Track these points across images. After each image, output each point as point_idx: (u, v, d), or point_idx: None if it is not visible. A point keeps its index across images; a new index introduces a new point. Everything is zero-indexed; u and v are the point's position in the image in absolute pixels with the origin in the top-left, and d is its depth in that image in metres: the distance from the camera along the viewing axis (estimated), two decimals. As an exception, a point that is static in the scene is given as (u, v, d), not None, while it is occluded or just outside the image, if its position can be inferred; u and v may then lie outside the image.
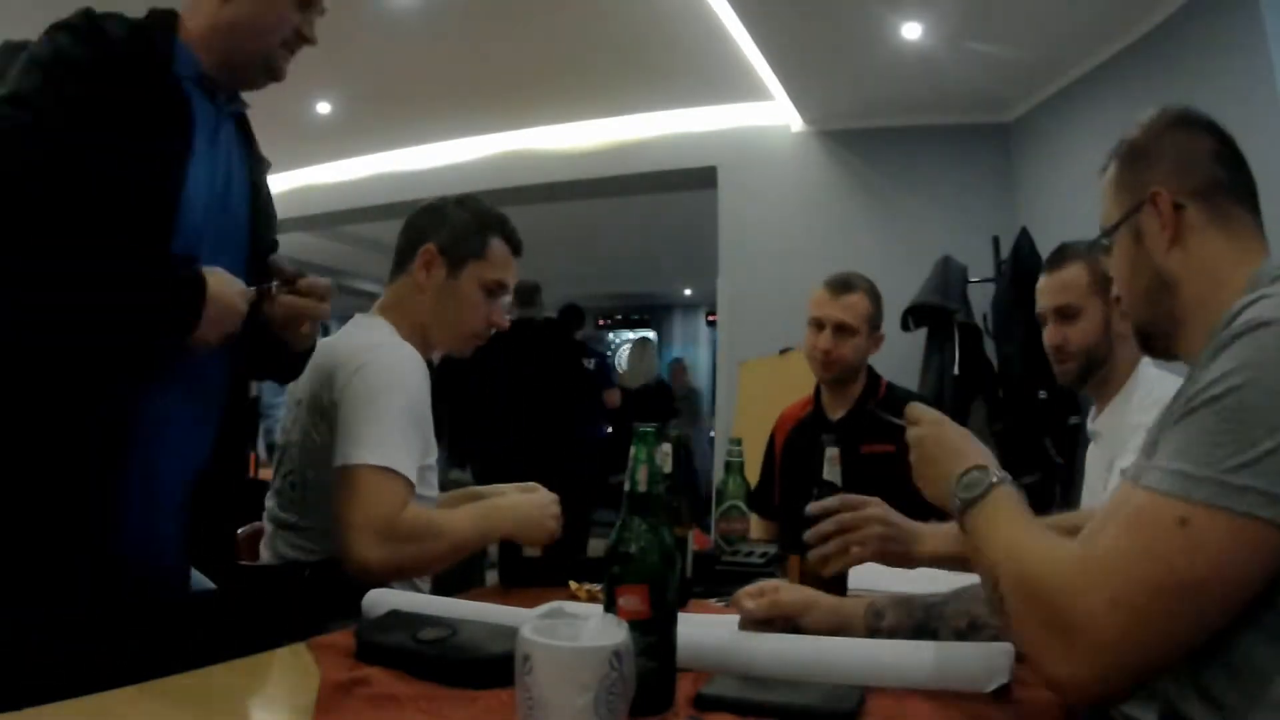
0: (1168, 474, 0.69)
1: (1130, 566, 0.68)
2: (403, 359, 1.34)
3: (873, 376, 2.14)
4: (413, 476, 1.27)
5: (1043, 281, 1.69)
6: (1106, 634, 0.68)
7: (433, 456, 1.40)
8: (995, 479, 0.85)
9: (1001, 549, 0.80)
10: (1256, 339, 0.70)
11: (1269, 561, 0.66)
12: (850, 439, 1.90)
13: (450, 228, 1.45)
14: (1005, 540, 0.80)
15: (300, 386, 1.39)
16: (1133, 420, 1.45)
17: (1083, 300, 1.61)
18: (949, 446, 0.95)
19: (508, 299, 1.52)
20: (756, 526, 2.12)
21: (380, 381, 1.28)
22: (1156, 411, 1.29)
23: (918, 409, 1.03)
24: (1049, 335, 1.66)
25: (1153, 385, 1.50)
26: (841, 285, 2.07)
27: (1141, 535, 0.69)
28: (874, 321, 2.09)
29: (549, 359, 4.27)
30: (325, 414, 1.31)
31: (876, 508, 1.21)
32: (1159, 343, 0.94)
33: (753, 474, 2.12)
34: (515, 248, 1.51)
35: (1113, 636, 0.67)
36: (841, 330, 2.04)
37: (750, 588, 1.08)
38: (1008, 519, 0.83)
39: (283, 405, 1.62)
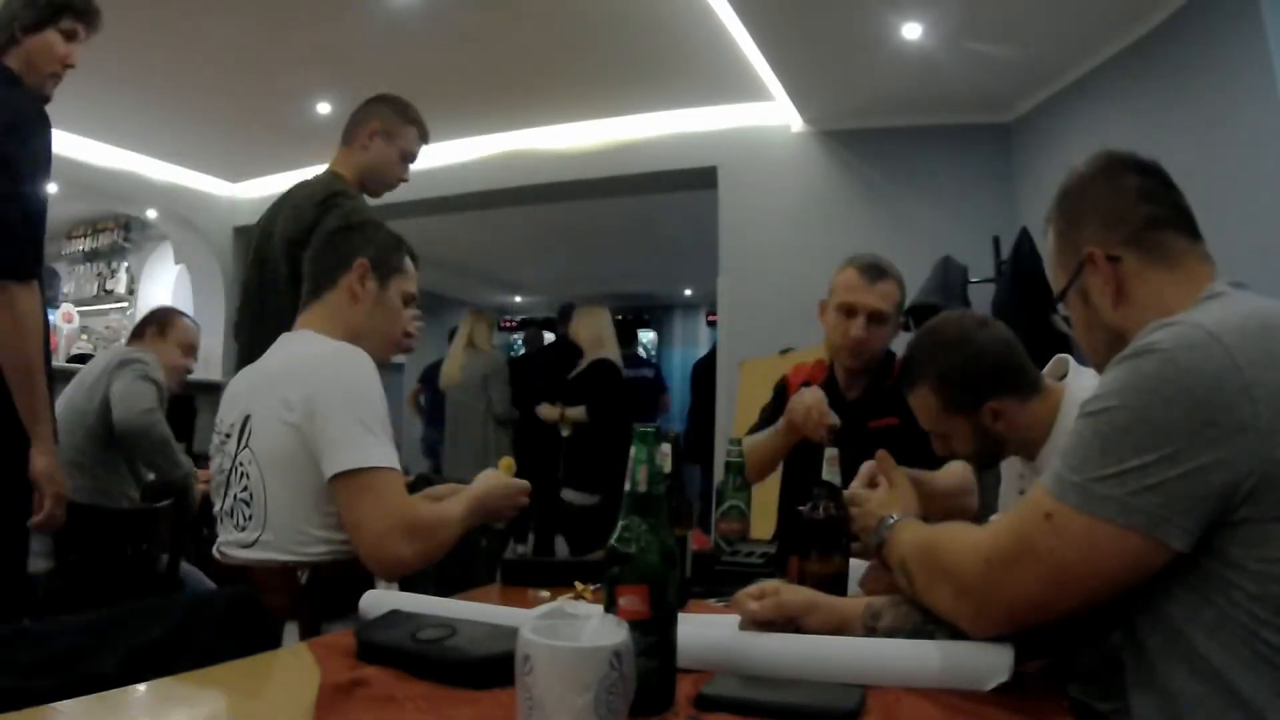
0: (1051, 474, 0.84)
1: (1001, 539, 0.87)
2: (363, 360, 1.38)
3: (888, 354, 2.05)
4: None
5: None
6: (975, 582, 0.88)
7: None
8: (894, 518, 1.12)
9: (907, 544, 1.04)
10: (1138, 364, 0.80)
11: (1126, 561, 0.78)
12: (860, 417, 1.89)
13: (377, 245, 1.54)
14: (909, 540, 1.04)
15: (236, 410, 1.40)
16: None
17: (936, 426, 1.48)
18: (871, 510, 1.21)
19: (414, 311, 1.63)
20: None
21: (356, 386, 1.34)
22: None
23: (853, 494, 1.29)
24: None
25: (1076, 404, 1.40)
26: (876, 271, 1.93)
27: (1019, 519, 0.86)
28: (900, 310, 2.01)
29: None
30: (289, 425, 1.31)
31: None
32: None
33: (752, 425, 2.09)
34: (416, 263, 1.64)
35: (980, 585, 0.88)
36: (875, 319, 1.92)
37: (751, 589, 1.08)
38: (910, 531, 1.07)
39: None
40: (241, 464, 1.36)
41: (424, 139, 2.36)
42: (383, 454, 1.30)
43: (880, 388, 2.02)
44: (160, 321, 2.81)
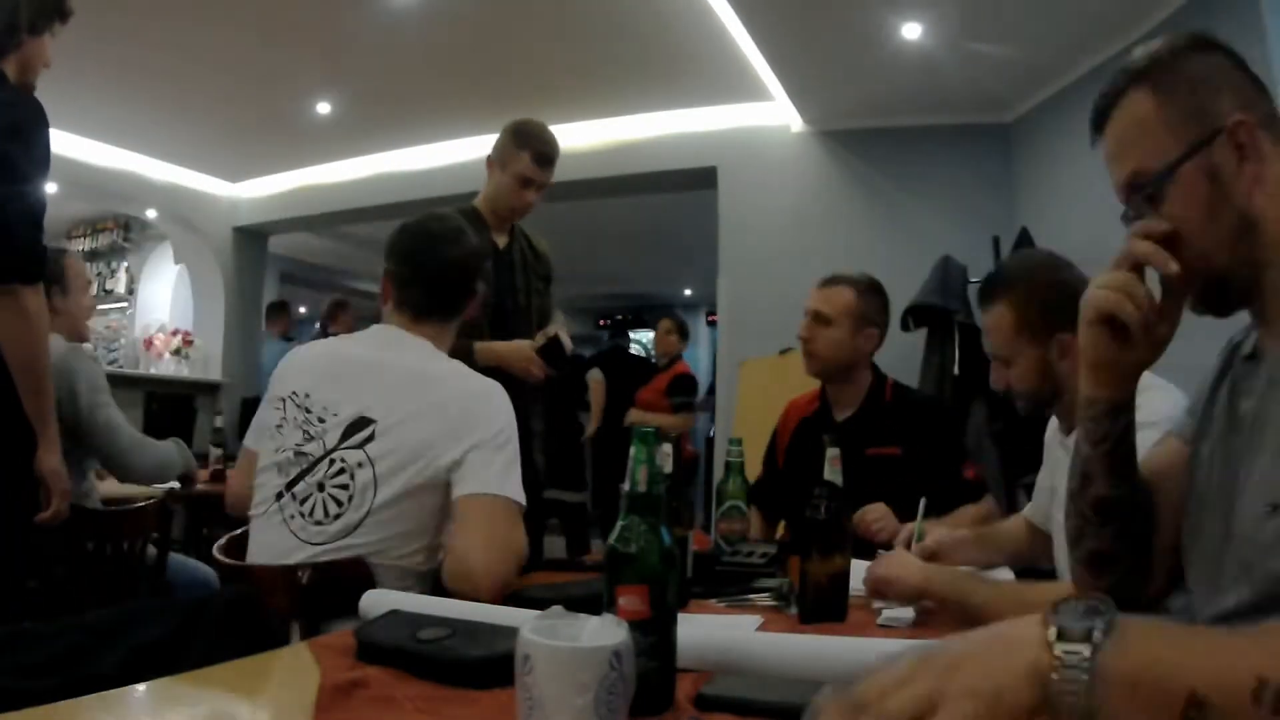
0: None
1: None
2: (509, 403, 1.43)
3: (879, 376, 2.11)
4: None
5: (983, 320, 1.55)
6: None
7: None
8: (1099, 627, 0.52)
9: (1247, 655, 0.51)
10: None
11: None
12: (856, 440, 1.90)
13: (482, 263, 1.62)
14: (1218, 640, 0.54)
15: (344, 399, 1.38)
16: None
17: (1004, 349, 1.47)
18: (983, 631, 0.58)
19: None
20: (757, 523, 2.11)
21: (507, 430, 1.38)
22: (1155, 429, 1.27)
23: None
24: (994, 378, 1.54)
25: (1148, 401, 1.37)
26: (828, 279, 2.09)
27: None
28: (861, 315, 2.04)
29: None
30: (436, 464, 1.33)
31: None
32: (1236, 294, 0.84)
33: (754, 467, 2.11)
34: None
35: None
36: (817, 319, 2.03)
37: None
38: (1189, 633, 0.56)
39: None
40: (344, 460, 1.34)
41: (543, 160, 2.33)
42: (517, 489, 1.34)
43: (872, 410, 2.07)
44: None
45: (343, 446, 1.36)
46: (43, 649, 0.93)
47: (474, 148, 5.20)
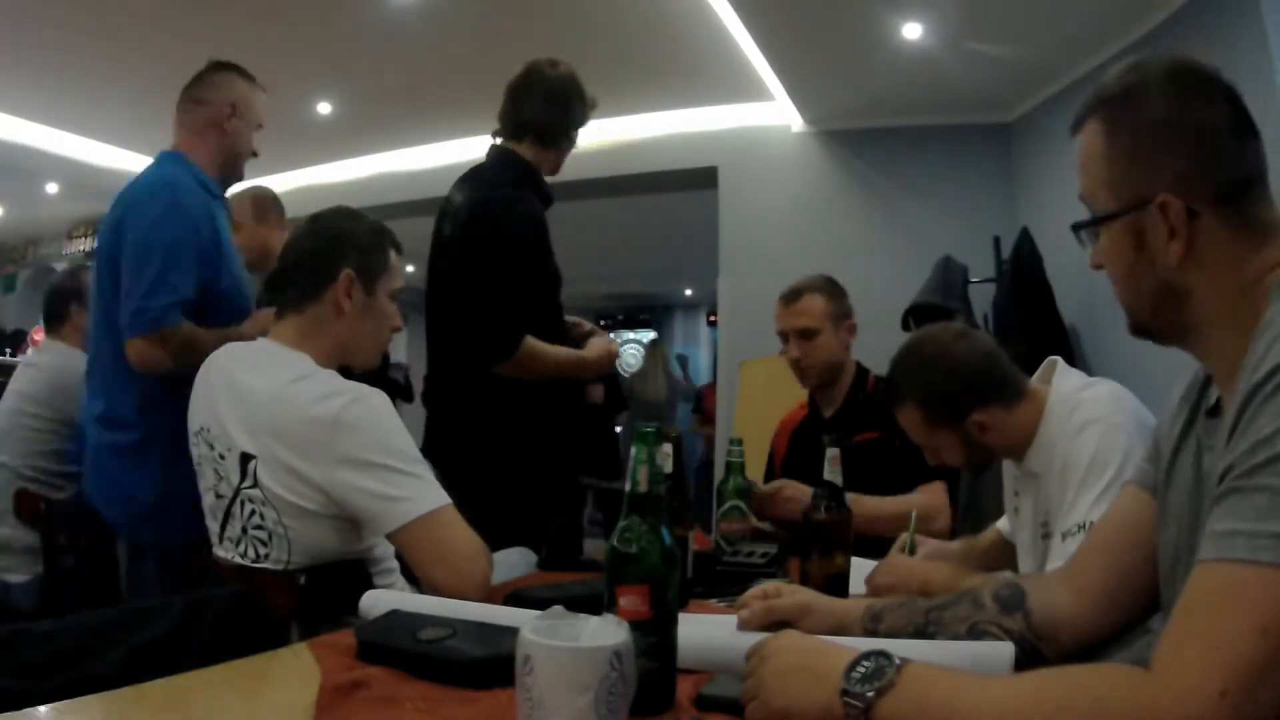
0: (1267, 541, 0.59)
1: (1242, 651, 0.57)
2: (374, 403, 1.30)
3: (861, 370, 2.16)
4: None
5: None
6: None
7: None
8: (899, 660, 0.70)
9: (993, 706, 0.65)
10: None
11: None
12: (844, 431, 1.93)
13: (358, 249, 1.43)
14: (988, 699, 0.66)
15: (229, 435, 1.32)
16: (1060, 468, 1.31)
17: (925, 440, 1.49)
18: (811, 649, 0.78)
19: None
20: None
21: (377, 436, 1.27)
22: (1085, 456, 1.26)
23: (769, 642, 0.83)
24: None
25: (1072, 425, 1.32)
26: (791, 294, 2.12)
27: (1249, 614, 0.58)
28: (837, 314, 2.10)
29: None
30: (308, 484, 1.26)
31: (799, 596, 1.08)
32: (1162, 340, 0.85)
33: (754, 468, 2.12)
34: (400, 251, 1.52)
35: None
36: (803, 336, 2.07)
37: (754, 590, 1.08)
38: (961, 684, 0.68)
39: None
40: (250, 500, 1.31)
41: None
42: (429, 495, 1.26)
43: (856, 401, 2.12)
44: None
45: (244, 487, 1.31)
46: (43, 649, 0.93)
47: (474, 148, 5.18)
